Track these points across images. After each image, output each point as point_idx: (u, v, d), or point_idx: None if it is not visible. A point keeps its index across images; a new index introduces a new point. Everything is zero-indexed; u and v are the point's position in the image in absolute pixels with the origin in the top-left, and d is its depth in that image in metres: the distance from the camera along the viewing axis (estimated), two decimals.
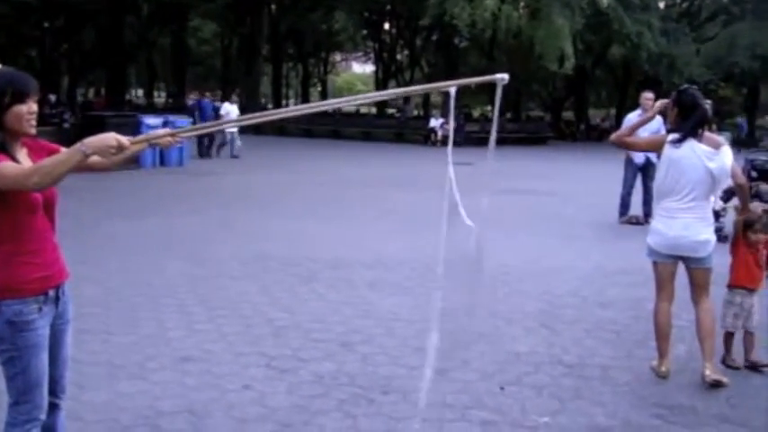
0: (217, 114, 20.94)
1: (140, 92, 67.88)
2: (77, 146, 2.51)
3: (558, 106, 50.13)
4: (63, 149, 2.71)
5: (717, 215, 7.80)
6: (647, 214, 11.14)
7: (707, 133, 4.77)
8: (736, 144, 21.37)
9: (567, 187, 16.25)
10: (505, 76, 2.47)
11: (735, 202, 5.87)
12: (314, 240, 9.27)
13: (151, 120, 17.80)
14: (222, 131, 20.74)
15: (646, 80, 35.43)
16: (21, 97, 2.62)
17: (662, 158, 4.81)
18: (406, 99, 51.33)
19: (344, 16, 49.42)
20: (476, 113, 46.74)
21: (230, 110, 21.05)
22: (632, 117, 11.25)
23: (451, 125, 2.78)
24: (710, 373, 4.63)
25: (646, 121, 5.45)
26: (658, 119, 11.40)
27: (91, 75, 51.45)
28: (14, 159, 2.63)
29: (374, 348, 5.23)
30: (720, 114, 34.66)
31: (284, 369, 4.78)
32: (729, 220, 7.79)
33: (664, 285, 4.87)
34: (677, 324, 5.08)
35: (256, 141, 25.40)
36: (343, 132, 34.95)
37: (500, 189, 14.16)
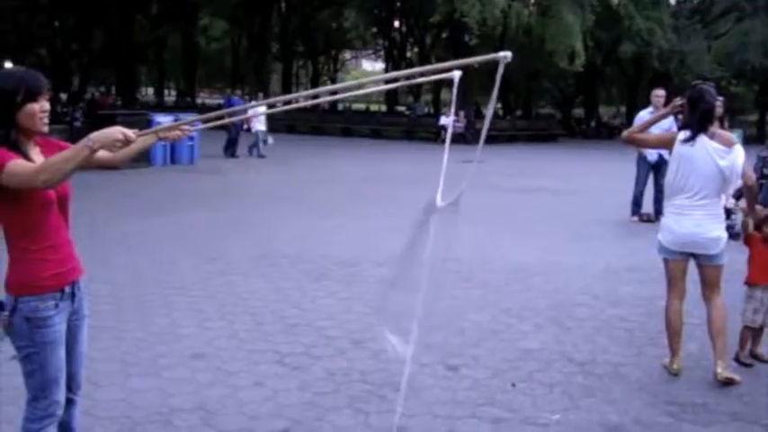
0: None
1: (150, 90, 68.13)
2: (84, 141, 2.52)
3: (569, 103, 49.96)
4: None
5: (728, 213, 7.78)
6: (658, 212, 11.10)
7: (719, 131, 4.75)
8: (748, 141, 21.23)
9: (577, 185, 16.20)
10: (508, 54, 2.42)
11: (743, 203, 5.83)
12: (325, 238, 9.29)
13: (162, 118, 17.84)
14: (250, 131, 20.47)
15: (656, 77, 35.20)
16: (33, 96, 2.64)
17: (672, 155, 4.80)
18: (417, 97, 51.41)
19: (354, 14, 49.37)
20: (485, 110, 46.60)
21: (259, 109, 20.80)
22: (644, 115, 11.22)
23: (453, 105, 2.74)
24: (722, 370, 4.61)
25: (659, 118, 5.43)
26: (659, 114, 11.39)
27: (101, 73, 51.68)
28: (27, 157, 2.65)
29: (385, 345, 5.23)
30: (732, 111, 34.48)
31: (296, 366, 4.80)
32: (741, 217, 7.75)
33: (675, 283, 4.86)
34: (689, 322, 5.07)
35: None
36: (354, 130, 34.93)
37: (510, 187, 14.16)
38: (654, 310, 6.12)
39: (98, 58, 44.30)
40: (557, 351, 5.23)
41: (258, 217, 10.81)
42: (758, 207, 5.09)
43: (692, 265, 4.85)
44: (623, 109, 48.70)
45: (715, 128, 4.73)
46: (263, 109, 17.18)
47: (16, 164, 2.54)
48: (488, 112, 2.61)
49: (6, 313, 2.69)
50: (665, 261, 4.89)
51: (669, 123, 10.95)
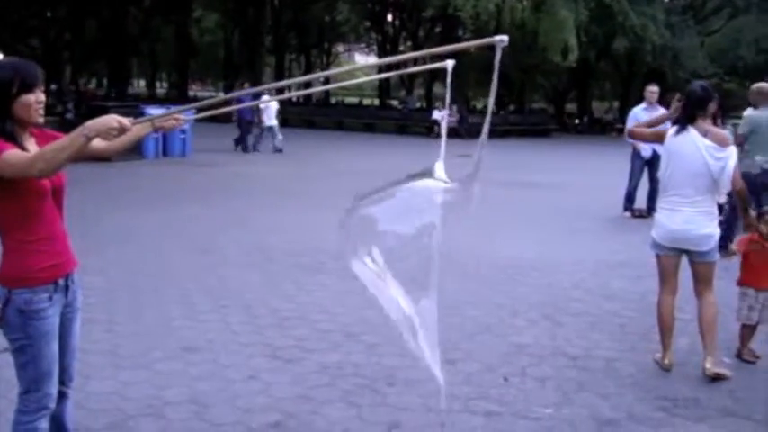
0: (257, 107, 20.34)
1: (142, 83, 67.84)
2: (79, 129, 2.50)
3: (562, 99, 50.02)
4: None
5: (721, 209, 7.77)
6: (651, 209, 11.13)
7: (714, 129, 4.71)
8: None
9: (570, 180, 16.22)
10: (504, 38, 2.38)
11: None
12: (318, 231, 9.25)
13: (154, 110, 17.76)
14: (259, 126, 20.23)
15: (650, 73, 35.29)
16: (28, 87, 2.62)
17: (663, 150, 4.83)
18: (409, 91, 51.32)
19: (347, 7, 49.30)
20: (479, 105, 46.62)
21: (270, 104, 20.33)
22: (637, 111, 11.26)
23: (448, 95, 2.69)
24: (711, 366, 4.63)
25: (664, 118, 5.32)
26: (663, 111, 11.41)
27: (93, 65, 51.44)
28: (23, 148, 2.63)
29: (379, 339, 5.23)
30: (725, 108, 34.56)
31: (289, 359, 4.79)
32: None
33: (667, 278, 4.87)
34: (680, 317, 5.09)
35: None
36: (346, 124, 34.89)
37: (503, 182, 14.16)
38: (647, 305, 6.13)
39: (90, 50, 44.09)
40: (550, 345, 5.23)
41: (251, 210, 10.78)
42: (751, 212, 5.04)
43: (684, 261, 4.86)
44: (616, 104, 48.78)
45: (708, 125, 4.70)
46: (266, 97, 17.03)
47: (11, 153, 2.53)
48: (490, 101, 2.58)
49: None
50: (658, 257, 4.90)
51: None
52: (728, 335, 5.17)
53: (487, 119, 2.44)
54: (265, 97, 16.85)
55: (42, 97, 2.68)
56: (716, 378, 4.61)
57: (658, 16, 34.37)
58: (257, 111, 20.08)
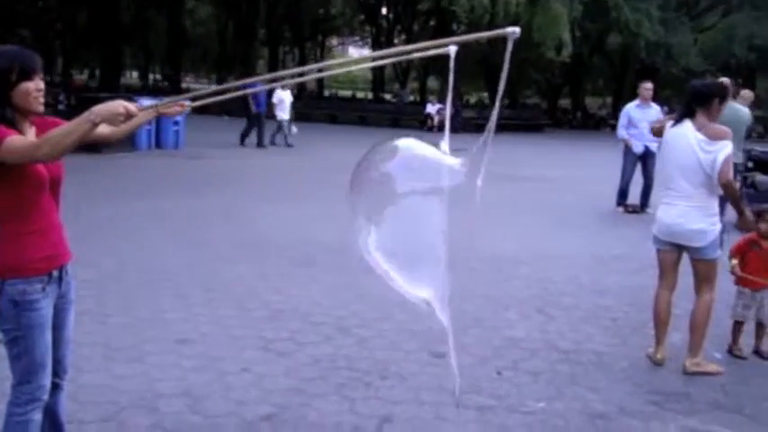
0: (270, 100, 20.01)
1: (135, 74, 67.52)
2: (86, 114, 2.48)
3: (555, 94, 50.07)
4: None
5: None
6: (644, 204, 11.18)
7: (711, 124, 4.62)
8: None
9: (563, 175, 16.25)
10: (516, 29, 2.32)
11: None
12: (311, 224, 9.27)
13: (147, 102, 17.61)
14: (278, 121, 19.79)
15: (643, 69, 35.40)
16: (27, 74, 2.60)
17: (661, 145, 4.85)
18: (403, 84, 51.28)
19: (341, 1, 49.16)
20: (472, 100, 46.63)
21: (283, 97, 20.03)
22: (630, 108, 11.33)
23: (451, 83, 2.64)
24: (689, 365, 4.70)
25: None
26: (657, 109, 11.48)
27: (85, 56, 51.14)
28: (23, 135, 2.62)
29: (371, 332, 5.24)
30: None
31: (282, 352, 4.79)
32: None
33: (665, 273, 4.88)
34: (673, 312, 5.09)
35: None
36: (340, 117, 34.86)
37: (496, 176, 14.16)
38: (639, 300, 6.16)
39: (82, 40, 43.82)
40: (542, 339, 5.25)
41: (244, 203, 10.76)
42: (747, 212, 4.94)
43: (686, 258, 4.85)
44: (609, 100, 48.85)
45: (705, 120, 4.65)
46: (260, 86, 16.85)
47: (14, 138, 2.52)
48: (499, 92, 2.55)
49: None
50: (657, 251, 4.91)
51: (656, 115, 11.05)
52: (721, 330, 5.20)
53: (495, 110, 2.42)
54: (259, 86, 16.63)
55: (42, 85, 2.66)
56: (705, 373, 4.65)
57: (653, 12, 34.46)
58: (270, 104, 19.72)
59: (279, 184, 12.98)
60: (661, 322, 4.87)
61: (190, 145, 18.07)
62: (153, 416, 3.80)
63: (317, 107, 36.34)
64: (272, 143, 19.83)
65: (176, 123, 17.55)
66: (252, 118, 19.58)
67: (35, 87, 2.63)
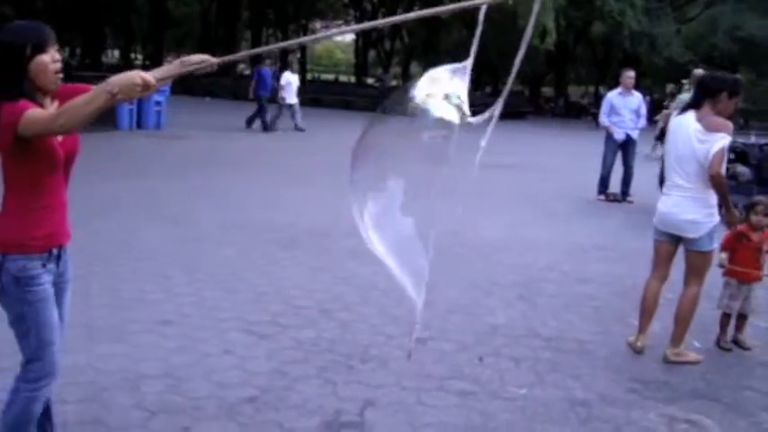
0: (278, 83, 19.87)
1: (117, 53, 66.72)
2: (102, 86, 2.45)
3: (538, 81, 50.10)
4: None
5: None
6: (625, 193, 11.25)
7: (712, 116, 4.58)
8: None
9: (546, 163, 16.30)
10: None
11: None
12: (294, 207, 9.24)
13: None
14: (279, 103, 19.60)
15: (626, 58, 35.44)
16: (41, 47, 2.58)
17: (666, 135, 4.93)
18: (386, 69, 51.08)
19: None
20: None
21: (291, 79, 19.89)
22: (612, 96, 11.38)
23: (476, 44, 2.57)
24: (670, 354, 4.74)
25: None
26: (639, 97, 11.53)
27: (66, 35, 50.46)
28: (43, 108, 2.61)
29: (353, 316, 5.24)
30: None
31: (264, 335, 4.78)
32: None
33: (658, 263, 4.90)
34: None
35: (234, 106, 25.14)
36: (323, 100, 34.68)
37: (479, 163, 14.17)
38: (621, 288, 6.21)
39: (63, 19, 43.20)
40: (524, 327, 5.28)
41: (227, 184, 10.71)
42: (734, 212, 4.91)
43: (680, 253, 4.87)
44: (592, 89, 49.00)
45: (710, 112, 4.60)
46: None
47: (33, 112, 2.50)
48: (515, 65, 2.53)
49: None
50: (654, 241, 4.93)
51: (639, 103, 11.11)
52: (701, 319, 5.24)
53: (507, 87, 2.40)
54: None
55: (57, 56, 2.64)
56: (685, 362, 4.70)
57: (636, 2, 34.44)
58: (278, 87, 19.48)
59: (261, 166, 12.91)
60: (647, 311, 4.90)
61: (172, 126, 17.92)
62: (135, 396, 3.79)
63: (300, 91, 36.07)
64: (273, 127, 19.41)
65: (158, 104, 17.42)
66: (260, 101, 19.30)
67: (51, 59, 2.61)
